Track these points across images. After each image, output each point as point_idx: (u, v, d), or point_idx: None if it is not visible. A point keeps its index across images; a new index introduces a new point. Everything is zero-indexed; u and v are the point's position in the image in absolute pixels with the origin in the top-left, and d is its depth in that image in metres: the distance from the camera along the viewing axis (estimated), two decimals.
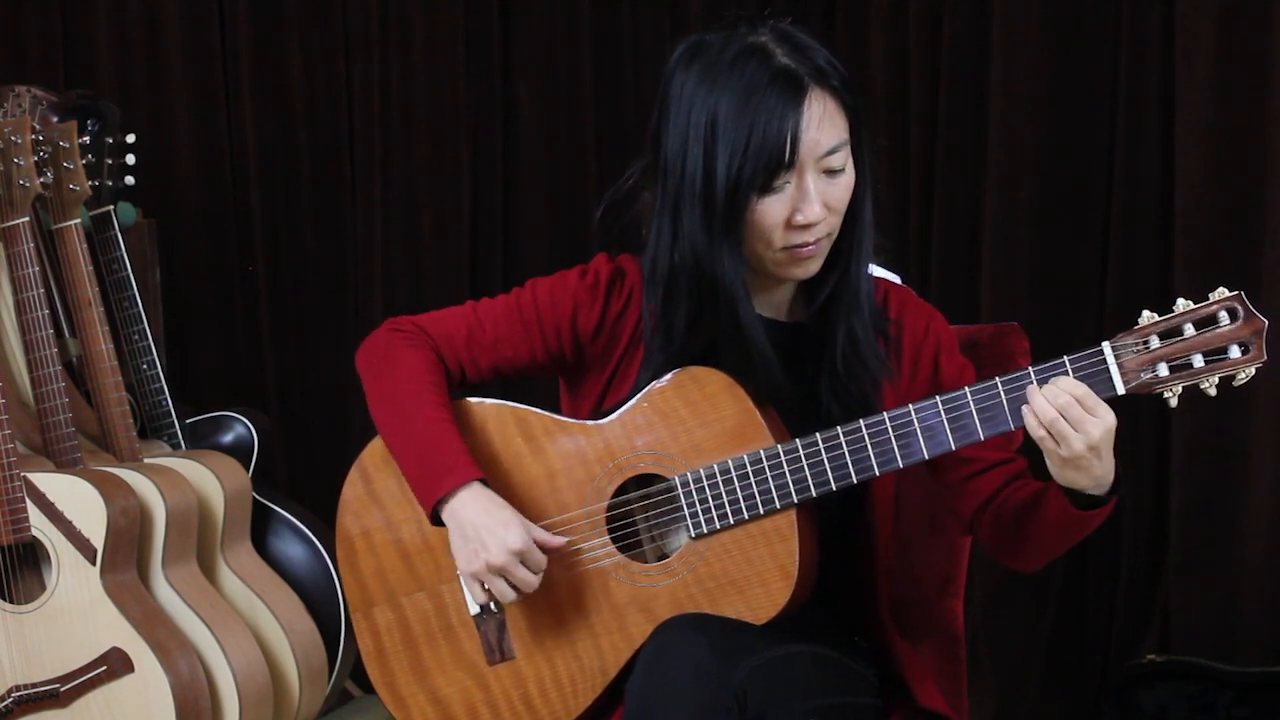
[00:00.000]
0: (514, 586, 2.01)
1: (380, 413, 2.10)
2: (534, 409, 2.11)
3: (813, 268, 2.01)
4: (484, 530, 1.99)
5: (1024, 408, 1.89)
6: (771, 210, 1.95)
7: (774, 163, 1.91)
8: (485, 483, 2.03)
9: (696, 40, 1.99)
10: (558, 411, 2.13)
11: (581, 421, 2.08)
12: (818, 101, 1.93)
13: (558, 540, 2.02)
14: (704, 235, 1.95)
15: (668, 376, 2.04)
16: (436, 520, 2.04)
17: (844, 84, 1.96)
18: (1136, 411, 3.41)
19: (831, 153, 1.95)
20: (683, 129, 1.95)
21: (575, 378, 2.15)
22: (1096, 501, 1.94)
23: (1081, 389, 1.87)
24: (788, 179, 1.94)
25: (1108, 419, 1.88)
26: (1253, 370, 1.87)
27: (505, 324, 2.11)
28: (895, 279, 2.23)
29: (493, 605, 2.08)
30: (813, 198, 1.94)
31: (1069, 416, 1.86)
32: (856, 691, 2.06)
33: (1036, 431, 1.89)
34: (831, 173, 1.96)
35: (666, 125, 1.97)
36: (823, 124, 1.93)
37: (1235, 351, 1.87)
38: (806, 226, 1.96)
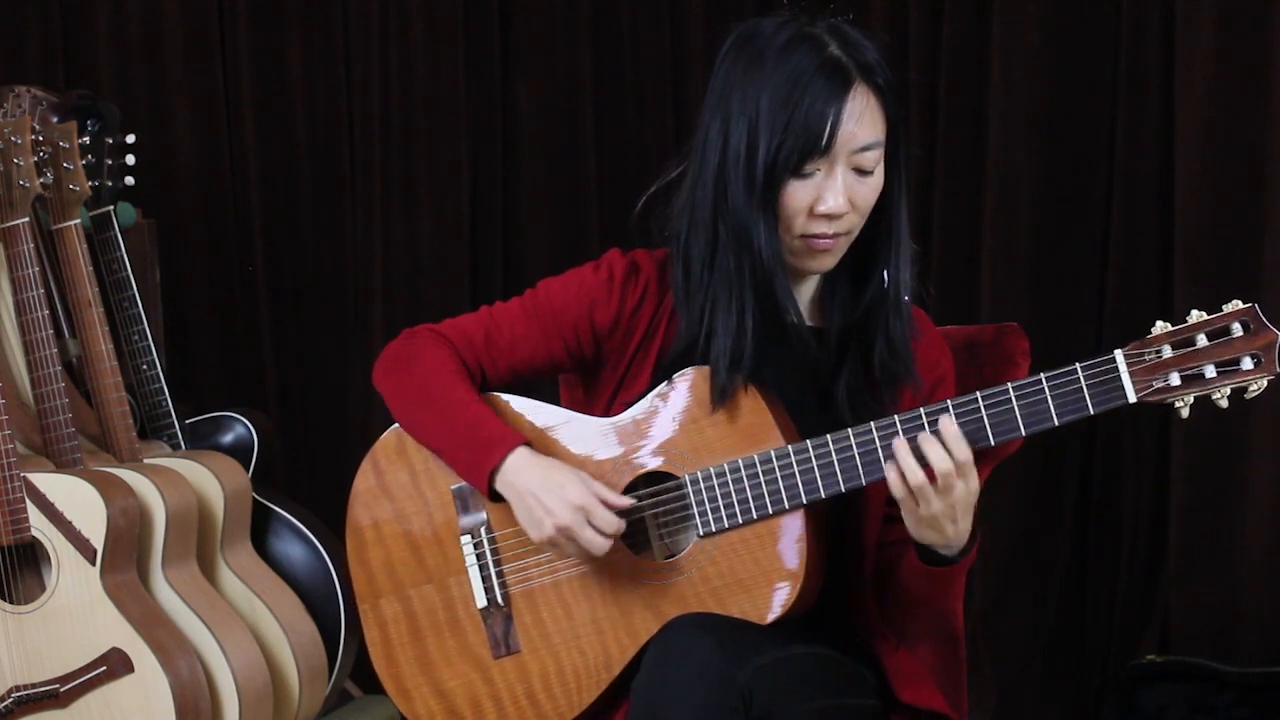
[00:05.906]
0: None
1: (411, 412, 2.10)
2: (545, 404, 2.11)
3: (828, 263, 2.02)
4: (542, 493, 1.97)
5: (888, 463, 1.91)
6: (797, 195, 1.96)
7: (810, 146, 1.93)
8: (531, 446, 2.02)
9: (752, 25, 2.01)
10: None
11: (592, 418, 2.08)
12: (861, 97, 1.95)
13: (623, 499, 2.00)
14: (745, 211, 1.96)
15: (679, 374, 2.04)
16: (495, 496, 2.03)
17: (888, 86, 1.98)
18: (1138, 413, 3.42)
19: (865, 149, 1.96)
20: (735, 106, 1.96)
21: (590, 374, 2.15)
22: (945, 560, 1.97)
23: (965, 454, 1.88)
24: (819, 165, 1.96)
25: (972, 484, 1.89)
26: (1264, 383, 1.87)
27: (523, 325, 2.11)
28: None
29: (500, 599, 2.08)
30: (839, 189, 1.96)
31: (940, 481, 1.88)
32: (859, 692, 2.06)
33: (899, 490, 1.90)
34: (862, 172, 1.98)
35: (717, 104, 1.99)
36: (862, 119, 1.95)
37: (1248, 363, 1.86)
38: (827, 217, 1.97)
